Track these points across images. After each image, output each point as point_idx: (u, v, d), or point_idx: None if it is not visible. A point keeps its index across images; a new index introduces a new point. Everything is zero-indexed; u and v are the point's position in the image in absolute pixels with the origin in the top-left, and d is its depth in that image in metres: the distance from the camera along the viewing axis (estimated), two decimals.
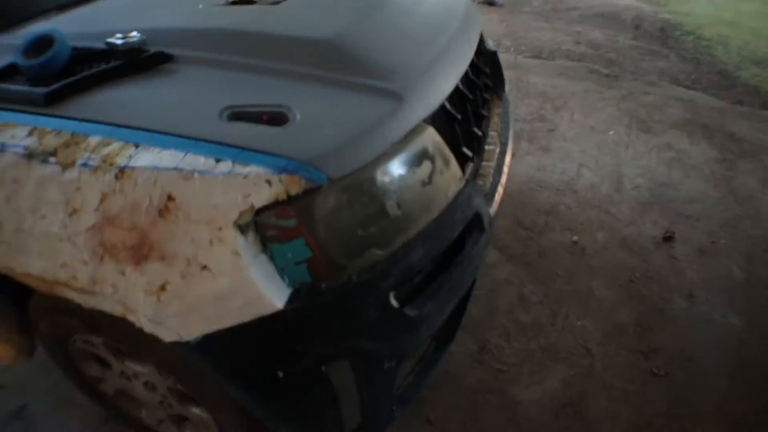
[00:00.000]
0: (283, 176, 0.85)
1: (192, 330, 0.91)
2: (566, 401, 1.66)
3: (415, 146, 1.04)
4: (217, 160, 0.88)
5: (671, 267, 2.13)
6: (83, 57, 1.14)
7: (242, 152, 0.88)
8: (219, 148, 0.89)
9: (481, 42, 1.73)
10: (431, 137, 1.09)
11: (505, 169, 1.55)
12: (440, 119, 1.23)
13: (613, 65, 3.88)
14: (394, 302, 0.99)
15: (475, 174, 1.46)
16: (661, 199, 2.48)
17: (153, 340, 0.95)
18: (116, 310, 0.95)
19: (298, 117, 0.97)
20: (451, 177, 1.12)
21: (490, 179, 1.47)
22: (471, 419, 1.63)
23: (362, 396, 1.08)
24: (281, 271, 0.89)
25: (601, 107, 3.28)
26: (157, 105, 1.04)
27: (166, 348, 0.96)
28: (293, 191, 0.85)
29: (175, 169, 0.88)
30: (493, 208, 1.37)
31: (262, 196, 0.85)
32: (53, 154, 0.96)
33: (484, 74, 1.67)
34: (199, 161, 0.88)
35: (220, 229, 0.85)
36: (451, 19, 1.40)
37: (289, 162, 0.86)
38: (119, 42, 1.13)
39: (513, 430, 1.59)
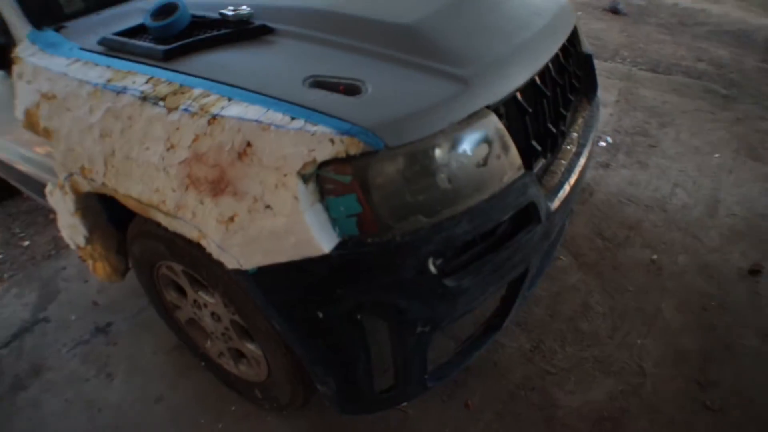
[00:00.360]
0: (345, 137, 0.96)
1: (251, 260, 1.04)
2: (606, 415, 1.62)
3: (474, 129, 1.10)
4: (292, 118, 1.00)
5: (751, 302, 1.97)
6: (199, 23, 1.34)
7: (314, 113, 1.01)
8: (296, 108, 1.03)
9: (575, 43, 1.72)
10: (493, 123, 1.14)
11: (577, 169, 1.55)
12: (512, 110, 1.28)
13: (733, 87, 3.60)
14: (432, 269, 1.06)
15: (546, 169, 1.48)
16: (755, 231, 2.30)
17: (219, 266, 1.10)
18: (193, 234, 1.11)
19: (369, 90, 1.08)
20: (508, 164, 1.16)
21: (559, 176, 1.49)
22: (507, 411, 1.64)
23: (395, 355, 1.17)
24: (333, 221, 1.00)
25: (711, 129, 3.07)
26: (253, 69, 1.20)
27: (229, 276, 1.11)
28: (352, 151, 0.96)
29: (257, 121, 1.02)
30: (555, 204, 1.39)
31: (325, 152, 0.96)
32: (163, 99, 1.14)
33: (571, 75, 1.67)
34: (277, 117, 1.01)
35: (285, 175, 0.98)
36: (538, 17, 1.42)
37: (352, 127, 0.97)
38: (230, 13, 1.32)
39: (545, 431, 1.60)
